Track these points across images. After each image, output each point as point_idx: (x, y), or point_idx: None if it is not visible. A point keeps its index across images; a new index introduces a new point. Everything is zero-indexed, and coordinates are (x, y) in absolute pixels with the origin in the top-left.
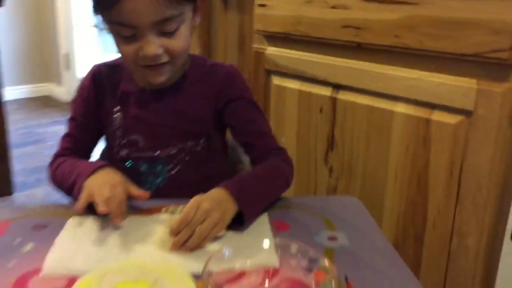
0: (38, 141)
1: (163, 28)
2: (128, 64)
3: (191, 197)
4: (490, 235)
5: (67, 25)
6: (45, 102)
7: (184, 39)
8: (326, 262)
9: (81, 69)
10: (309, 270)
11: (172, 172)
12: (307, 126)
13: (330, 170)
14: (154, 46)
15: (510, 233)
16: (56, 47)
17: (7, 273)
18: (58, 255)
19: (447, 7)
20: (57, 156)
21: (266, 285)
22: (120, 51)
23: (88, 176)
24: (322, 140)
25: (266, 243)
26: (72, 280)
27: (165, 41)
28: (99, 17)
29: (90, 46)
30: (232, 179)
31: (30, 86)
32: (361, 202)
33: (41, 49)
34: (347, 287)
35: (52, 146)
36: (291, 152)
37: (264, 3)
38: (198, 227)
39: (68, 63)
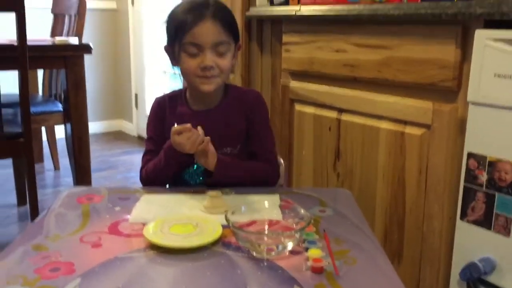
0: (111, 167)
1: (217, 49)
2: (189, 75)
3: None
4: (449, 217)
5: (139, 69)
6: (117, 136)
7: (229, 62)
8: (306, 215)
9: (148, 107)
10: (297, 222)
11: None
12: (320, 141)
13: (338, 175)
14: (211, 59)
15: (459, 214)
16: (129, 88)
17: (105, 221)
18: (138, 211)
19: (411, 50)
20: (143, 167)
21: (266, 228)
22: (185, 65)
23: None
24: (331, 152)
25: (275, 205)
26: (145, 224)
27: (217, 59)
28: (175, 41)
29: (155, 87)
30: (226, 157)
31: (105, 122)
32: (351, 193)
33: (116, 89)
34: (323, 236)
35: (122, 171)
36: (309, 161)
37: (288, 48)
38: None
39: (137, 102)
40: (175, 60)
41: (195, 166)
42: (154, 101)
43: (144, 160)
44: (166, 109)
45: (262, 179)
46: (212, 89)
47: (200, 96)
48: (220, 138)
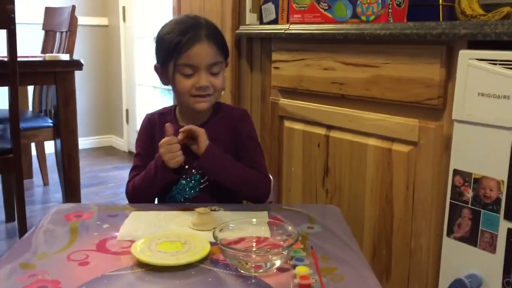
0: (101, 183)
1: (212, 69)
2: (183, 94)
3: (216, 201)
4: (436, 233)
5: (131, 84)
6: (107, 151)
7: (222, 81)
8: (293, 232)
9: (138, 123)
10: (285, 239)
11: (205, 184)
12: (309, 157)
13: (327, 192)
14: (206, 80)
15: (446, 230)
16: (120, 104)
17: (93, 239)
18: (126, 228)
19: (398, 69)
20: (129, 181)
21: (254, 245)
22: (179, 85)
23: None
24: (320, 169)
25: (263, 222)
26: (133, 242)
27: (211, 78)
28: (168, 61)
29: (146, 103)
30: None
31: (96, 137)
32: (339, 210)
33: (107, 105)
34: (311, 253)
35: (112, 187)
36: (298, 178)
37: (278, 66)
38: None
39: (128, 117)
40: (166, 79)
41: (183, 181)
42: (145, 118)
43: (131, 175)
44: (156, 125)
45: (254, 184)
46: (206, 107)
47: (190, 113)
48: None
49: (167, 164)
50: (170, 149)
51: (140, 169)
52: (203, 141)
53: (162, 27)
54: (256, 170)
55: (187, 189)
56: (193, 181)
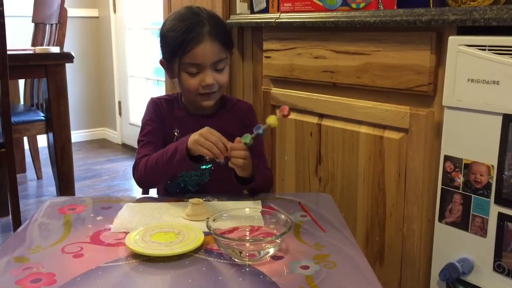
0: (95, 176)
1: (217, 66)
2: (190, 93)
3: (223, 189)
4: (428, 219)
5: (123, 76)
6: (101, 144)
7: (227, 76)
8: (286, 220)
9: (131, 115)
10: (279, 228)
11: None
12: (302, 146)
13: (320, 180)
14: (211, 78)
15: (437, 216)
16: (112, 96)
17: (87, 231)
18: (120, 220)
19: (388, 56)
20: (143, 156)
21: (248, 234)
22: (185, 83)
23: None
24: (312, 157)
25: (257, 211)
26: (127, 233)
27: (216, 75)
28: (173, 58)
29: (139, 95)
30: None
31: (89, 130)
32: (332, 197)
33: (99, 97)
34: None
35: (106, 179)
36: (291, 167)
37: (269, 55)
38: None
39: (121, 109)
40: (171, 73)
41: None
42: (150, 101)
43: (143, 152)
44: (164, 110)
45: (271, 182)
46: (212, 103)
47: (198, 105)
48: None
49: (193, 146)
50: (213, 139)
51: (151, 145)
52: (249, 164)
53: (165, 22)
54: (262, 164)
55: (197, 176)
56: (204, 169)
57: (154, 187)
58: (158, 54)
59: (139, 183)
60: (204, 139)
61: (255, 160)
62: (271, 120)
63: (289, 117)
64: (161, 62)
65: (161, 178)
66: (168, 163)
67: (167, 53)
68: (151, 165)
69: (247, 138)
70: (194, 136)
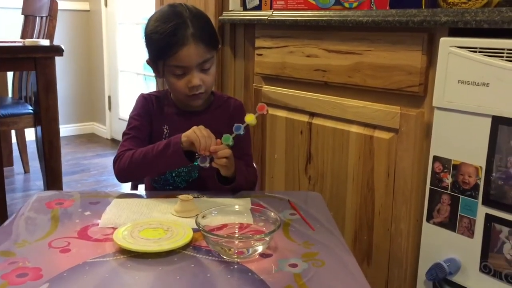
0: (83, 171)
1: (203, 66)
2: (178, 93)
3: (212, 186)
4: (416, 219)
5: (113, 71)
6: (90, 139)
7: (213, 75)
8: (275, 218)
9: (121, 110)
10: (268, 225)
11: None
12: (292, 144)
13: (309, 178)
14: (198, 79)
15: (425, 216)
16: (102, 90)
17: (74, 226)
18: (108, 215)
19: (379, 56)
20: (127, 150)
21: (237, 231)
22: (173, 85)
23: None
24: (303, 155)
25: (246, 208)
26: (115, 229)
27: (203, 76)
28: (158, 60)
29: (129, 89)
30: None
31: (78, 124)
32: (321, 196)
33: (89, 91)
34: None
35: (94, 174)
36: (281, 165)
37: (261, 53)
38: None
39: (111, 104)
40: (158, 73)
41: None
42: (140, 96)
43: (126, 146)
44: (153, 107)
45: (253, 182)
46: (200, 103)
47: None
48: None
49: (184, 138)
50: (207, 142)
51: (136, 141)
52: (232, 163)
53: (148, 22)
54: (245, 162)
55: (186, 172)
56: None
57: (135, 182)
58: (147, 51)
59: (120, 176)
60: (195, 133)
61: (238, 159)
62: (250, 119)
63: (280, 115)
64: (148, 62)
65: (145, 172)
66: (158, 156)
67: (152, 54)
68: (138, 157)
69: (228, 139)
70: (186, 132)
